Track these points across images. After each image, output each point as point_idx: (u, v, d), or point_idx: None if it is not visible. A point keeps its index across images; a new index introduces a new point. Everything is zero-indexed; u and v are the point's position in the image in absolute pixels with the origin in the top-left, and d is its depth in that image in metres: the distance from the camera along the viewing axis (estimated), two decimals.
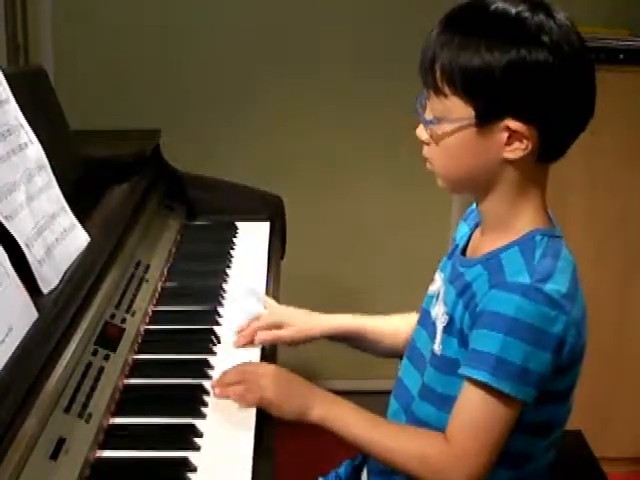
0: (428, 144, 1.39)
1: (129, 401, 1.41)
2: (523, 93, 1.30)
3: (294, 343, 1.69)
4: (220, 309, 1.75)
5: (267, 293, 1.86)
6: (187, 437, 1.31)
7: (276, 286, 1.93)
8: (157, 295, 1.79)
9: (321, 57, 2.92)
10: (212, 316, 1.72)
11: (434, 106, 1.36)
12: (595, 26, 2.70)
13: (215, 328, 1.67)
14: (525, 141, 1.32)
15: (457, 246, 1.53)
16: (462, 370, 1.34)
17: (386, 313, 1.71)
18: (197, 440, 1.31)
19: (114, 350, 1.49)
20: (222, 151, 2.91)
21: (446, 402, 1.39)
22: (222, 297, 1.81)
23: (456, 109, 1.33)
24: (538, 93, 1.30)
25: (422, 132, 1.40)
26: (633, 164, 2.67)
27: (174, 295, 1.81)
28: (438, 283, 1.52)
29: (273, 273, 1.98)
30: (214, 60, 2.90)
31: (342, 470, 1.67)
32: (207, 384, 1.46)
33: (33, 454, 1.15)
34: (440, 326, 1.43)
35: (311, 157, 2.95)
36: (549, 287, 1.30)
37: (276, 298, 1.83)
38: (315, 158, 2.95)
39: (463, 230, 1.55)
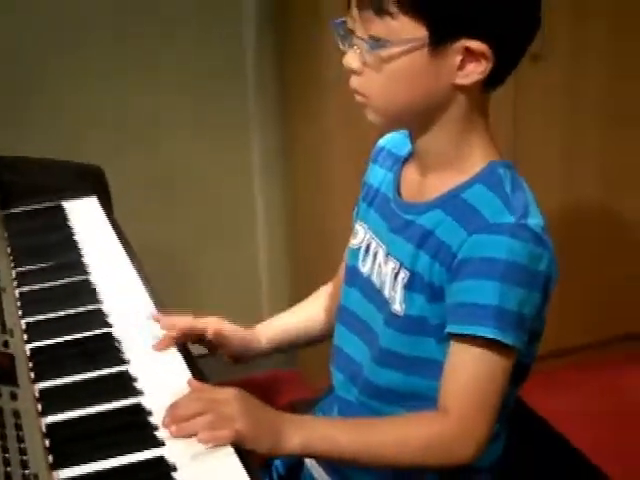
0: (359, 73, 1.21)
1: (64, 445, 1.12)
2: (479, 8, 1.16)
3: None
4: (102, 307, 1.47)
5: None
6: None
7: (136, 259, 1.66)
8: (20, 304, 1.48)
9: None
10: (99, 318, 1.43)
11: (375, 28, 1.18)
12: None
13: (112, 331, 1.39)
14: (484, 62, 1.18)
15: (378, 191, 1.37)
16: (458, 329, 1.18)
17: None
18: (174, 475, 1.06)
19: (15, 384, 1.19)
20: (24, 130, 2.51)
21: (415, 364, 1.25)
22: (96, 293, 1.52)
23: (405, 30, 1.17)
24: (493, 8, 1.17)
25: (353, 59, 1.22)
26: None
27: (40, 300, 1.50)
28: (361, 234, 1.37)
29: (127, 247, 1.71)
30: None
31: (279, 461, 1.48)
32: (144, 402, 1.20)
33: None
34: (400, 283, 1.26)
35: (126, 120, 2.64)
36: (531, 222, 1.19)
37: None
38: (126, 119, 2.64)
39: (379, 173, 1.39)
